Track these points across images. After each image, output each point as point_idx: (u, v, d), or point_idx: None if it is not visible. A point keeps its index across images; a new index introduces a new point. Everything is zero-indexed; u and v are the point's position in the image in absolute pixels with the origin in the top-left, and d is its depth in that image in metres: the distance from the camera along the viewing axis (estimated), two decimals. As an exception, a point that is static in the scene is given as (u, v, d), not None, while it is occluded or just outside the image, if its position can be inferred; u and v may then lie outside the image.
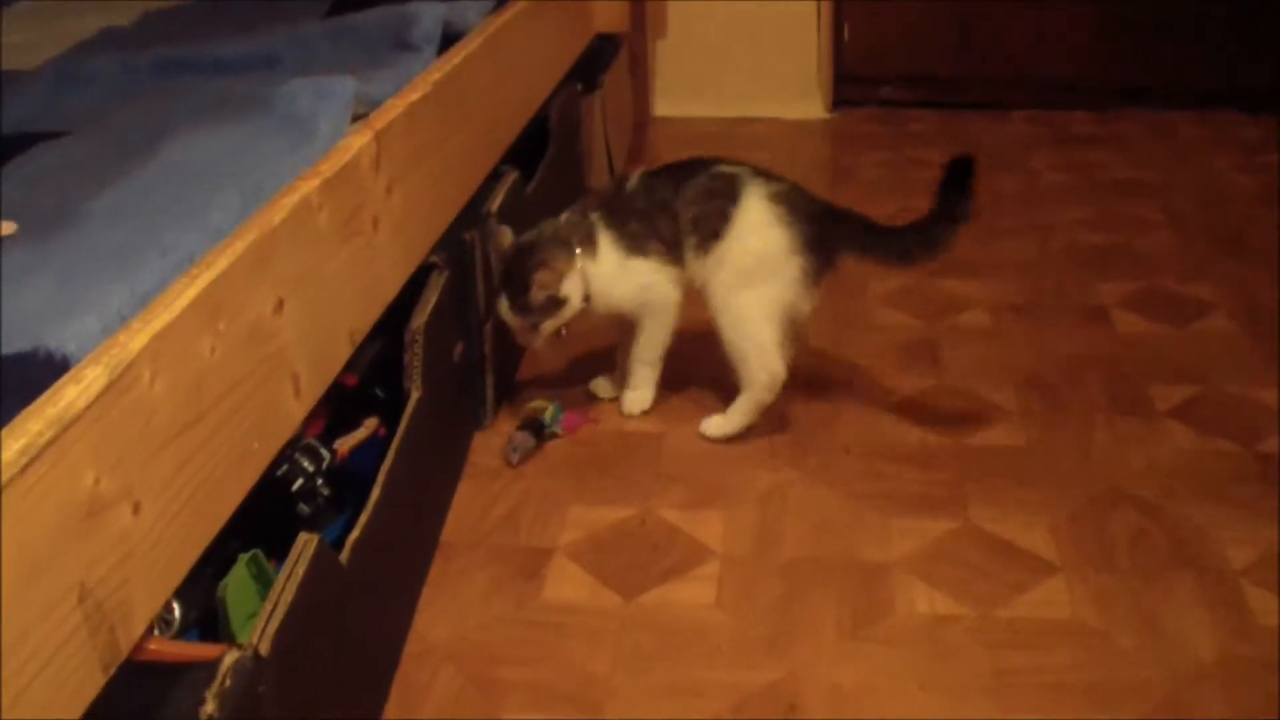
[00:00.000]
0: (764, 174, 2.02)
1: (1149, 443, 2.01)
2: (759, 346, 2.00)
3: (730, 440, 2.06)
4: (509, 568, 1.76)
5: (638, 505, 1.89)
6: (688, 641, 1.61)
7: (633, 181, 2.04)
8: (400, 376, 1.78)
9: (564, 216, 2.03)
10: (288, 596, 1.24)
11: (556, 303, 1.97)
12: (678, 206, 1.99)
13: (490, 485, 1.96)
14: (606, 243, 2.00)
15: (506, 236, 2.01)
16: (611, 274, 2.00)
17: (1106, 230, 2.90)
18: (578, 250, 1.98)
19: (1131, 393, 2.16)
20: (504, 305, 1.99)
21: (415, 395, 1.76)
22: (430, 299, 1.85)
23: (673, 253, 2.01)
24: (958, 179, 1.95)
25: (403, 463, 1.64)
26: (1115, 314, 2.46)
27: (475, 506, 1.91)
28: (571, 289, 1.97)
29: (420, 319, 1.80)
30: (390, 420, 1.73)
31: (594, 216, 2.02)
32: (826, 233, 1.99)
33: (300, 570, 1.27)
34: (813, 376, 2.23)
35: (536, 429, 2.05)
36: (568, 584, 1.73)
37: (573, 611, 1.67)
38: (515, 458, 2.00)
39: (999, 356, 2.29)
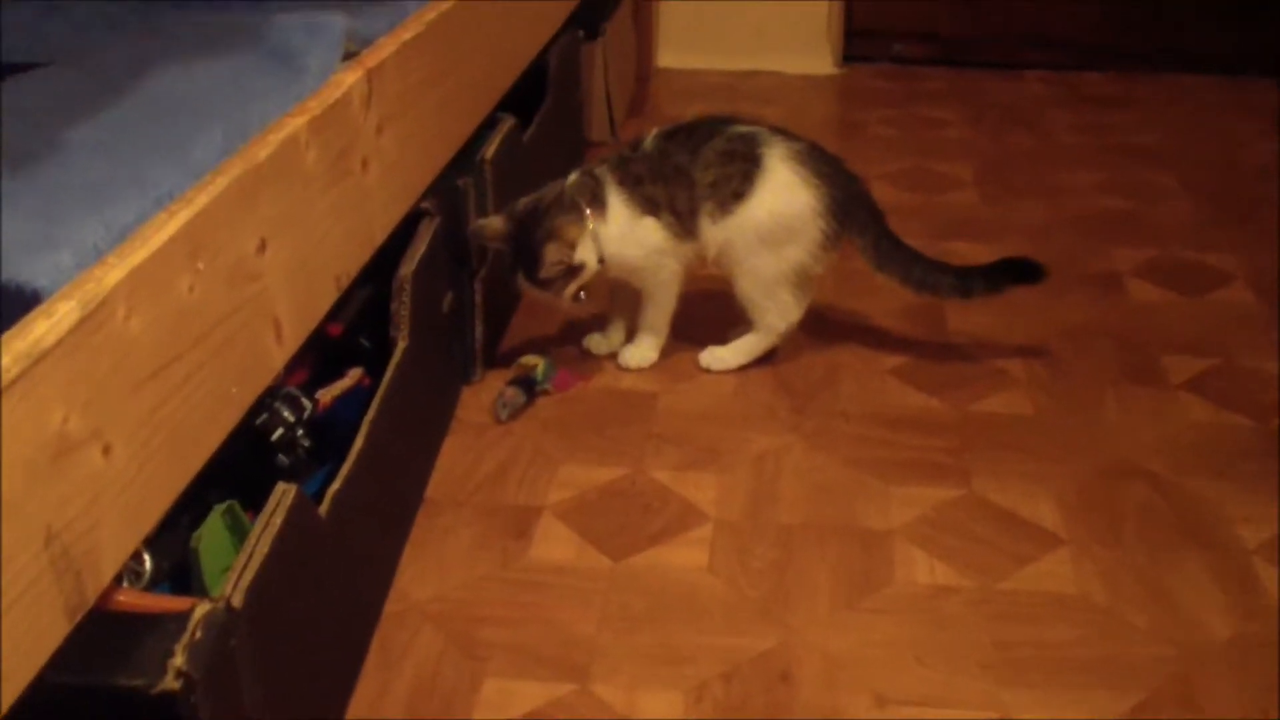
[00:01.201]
0: (782, 133, 2.03)
1: (1160, 415, 2.00)
2: (778, 300, 2.06)
3: (726, 400, 2.05)
4: (495, 526, 1.76)
5: (629, 465, 1.89)
6: (678, 605, 1.60)
7: (648, 142, 2.03)
8: (387, 326, 1.77)
9: (571, 177, 2.02)
10: (263, 548, 1.22)
11: (572, 270, 1.96)
12: (694, 172, 1.99)
13: (477, 441, 1.95)
14: (617, 202, 1.99)
15: (495, 225, 1.97)
16: (622, 234, 1.99)
17: (1122, 195, 2.88)
18: (587, 212, 1.97)
19: (1143, 363, 2.15)
20: (520, 278, 1.99)
21: (402, 345, 1.75)
22: (420, 246, 1.83)
23: (685, 225, 2.00)
24: (1013, 274, 2.07)
25: (387, 415, 1.63)
26: (1128, 282, 2.45)
27: (461, 463, 1.90)
28: (586, 254, 1.96)
29: (409, 266, 1.78)
30: (375, 371, 1.72)
31: (603, 173, 2.01)
32: (847, 199, 2.03)
33: (277, 521, 1.26)
34: (813, 337, 2.22)
35: (527, 385, 2.04)
36: (555, 544, 1.72)
37: (560, 572, 1.67)
38: (504, 414, 1.99)
39: (1007, 322, 2.28)
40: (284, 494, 1.30)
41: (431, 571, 1.67)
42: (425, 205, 1.88)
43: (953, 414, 2.01)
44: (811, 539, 1.72)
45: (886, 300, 2.33)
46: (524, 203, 1.98)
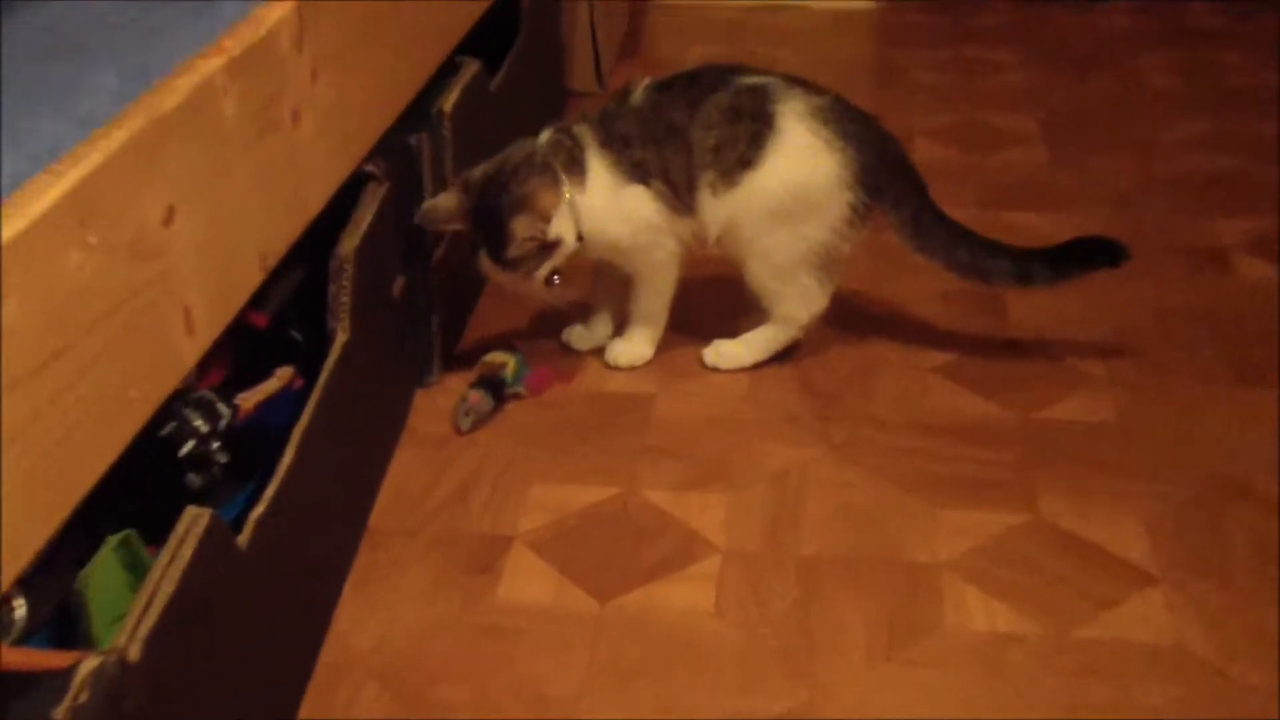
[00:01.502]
0: (801, 85, 2.02)
1: (1274, 423, 1.99)
2: (798, 286, 2.06)
3: (737, 404, 2.05)
4: (455, 560, 1.75)
5: (619, 484, 1.89)
6: (679, 657, 1.60)
7: (637, 94, 2.02)
8: (323, 315, 1.77)
9: (543, 135, 2.01)
10: (168, 588, 1.22)
11: (546, 248, 1.95)
12: (693, 133, 1.99)
13: (434, 456, 1.95)
14: (599, 167, 1.98)
15: (447, 204, 1.96)
16: (605, 206, 1.98)
17: (1228, 152, 2.88)
18: (563, 178, 1.96)
19: (1255, 359, 2.15)
20: (483, 258, 1.98)
21: (342, 339, 1.75)
22: (365, 217, 1.83)
23: (681, 199, 2.00)
24: (1087, 257, 2.06)
25: (323, 424, 1.63)
26: (1236, 258, 2.45)
27: (414, 482, 1.90)
28: (563, 228, 1.95)
29: (351, 242, 1.78)
30: (309, 370, 1.72)
31: (581, 132, 2.00)
32: (879, 165, 2.02)
33: (186, 554, 1.26)
34: (842, 327, 2.22)
35: (494, 388, 2.04)
36: (529, 581, 1.72)
37: (534, 616, 1.66)
38: (466, 423, 1.99)
39: (1083, 308, 2.28)
40: (194, 520, 1.29)
41: (376, 616, 1.67)
42: (371, 168, 1.88)
43: (1015, 421, 2.01)
44: (842, 574, 1.72)
45: (931, 281, 2.32)
46: (482, 170, 1.96)
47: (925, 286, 2.33)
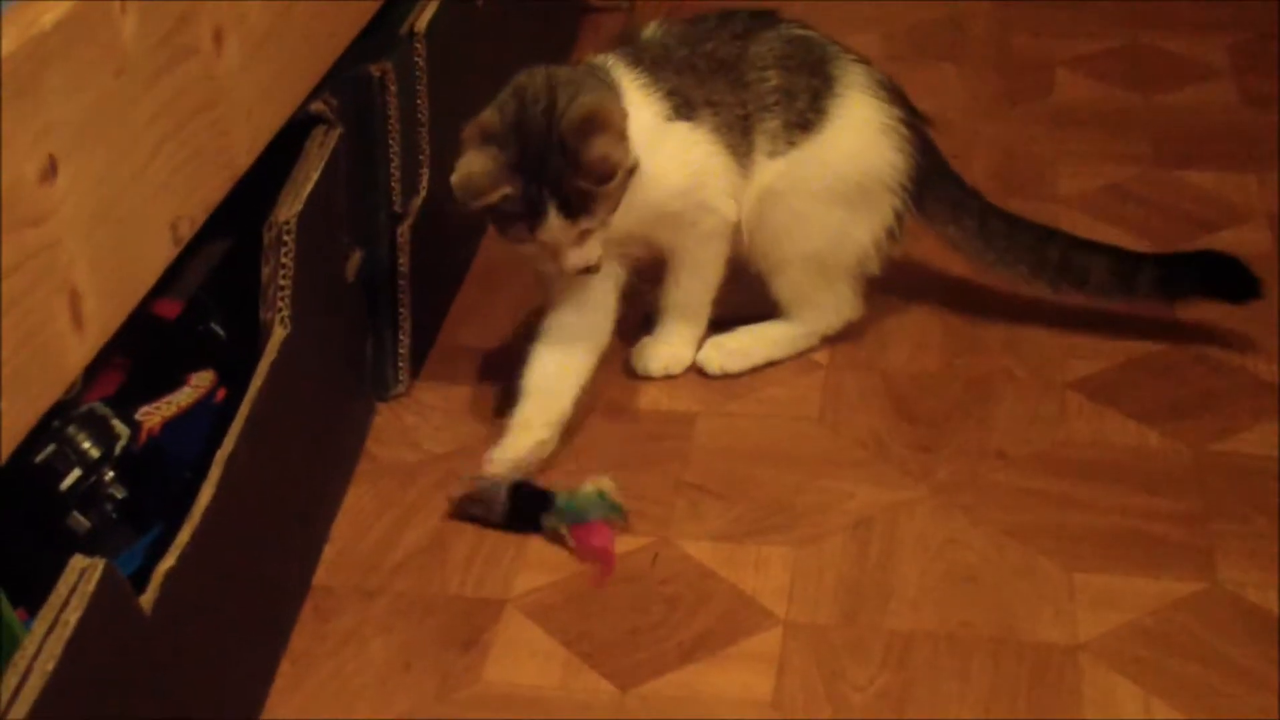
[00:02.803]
0: (854, 54, 2.12)
1: None
2: (836, 290, 2.16)
3: (805, 429, 2.07)
4: (428, 631, 1.77)
5: (648, 531, 1.91)
6: (725, 766, 1.62)
7: (655, 30, 2.08)
8: (254, 304, 1.78)
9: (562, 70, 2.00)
10: (45, 665, 1.22)
11: (622, 184, 1.94)
12: (747, 71, 2.04)
13: (400, 492, 1.97)
14: (637, 96, 2.00)
15: (486, 158, 1.89)
16: (650, 146, 1.98)
17: None
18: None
19: None
20: (548, 224, 1.90)
21: (279, 335, 1.76)
22: (309, 174, 1.85)
23: (738, 144, 2.04)
24: (1211, 278, 2.14)
25: (253, 448, 1.63)
26: None
27: (374, 527, 1.92)
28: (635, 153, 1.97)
29: (292, 207, 1.80)
30: (235, 377, 1.74)
31: (609, 63, 2.02)
32: (930, 168, 2.14)
33: (71, 620, 1.26)
34: (953, 330, 2.25)
35: (526, 512, 1.93)
36: (526, 660, 1.73)
37: (533, 707, 1.68)
38: (458, 500, 1.94)
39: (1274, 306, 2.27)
40: (83, 574, 1.30)
41: (322, 707, 1.68)
42: (318, 106, 1.90)
43: (1184, 456, 2.02)
44: (945, 657, 1.73)
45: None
46: (499, 112, 1.91)
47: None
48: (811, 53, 2.07)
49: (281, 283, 1.78)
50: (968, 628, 1.77)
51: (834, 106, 2.05)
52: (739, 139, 2.04)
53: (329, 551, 1.89)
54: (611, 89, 1.98)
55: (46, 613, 1.27)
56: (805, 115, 2.04)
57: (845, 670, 1.72)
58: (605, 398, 2.15)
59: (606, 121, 1.90)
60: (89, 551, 1.32)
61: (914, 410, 2.12)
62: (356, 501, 1.96)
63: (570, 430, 2.06)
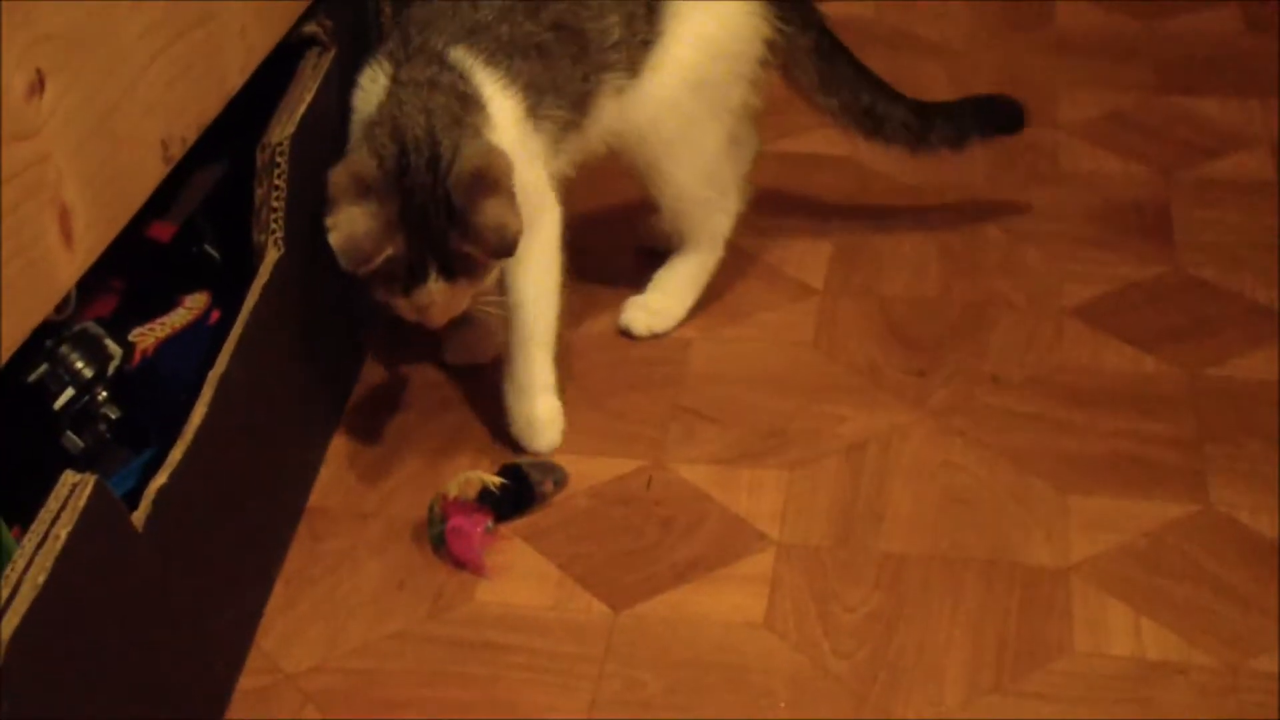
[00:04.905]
0: None
1: None
2: (721, 184, 2.14)
3: (800, 354, 2.09)
4: (419, 553, 1.79)
5: (642, 455, 1.93)
6: (716, 685, 1.63)
7: None
8: (247, 225, 1.78)
9: (378, 69, 1.86)
10: (37, 578, 1.23)
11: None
12: (585, 25, 1.94)
13: (396, 415, 1.99)
14: (501, 100, 1.87)
15: (368, 214, 1.73)
16: (515, 143, 1.86)
17: None
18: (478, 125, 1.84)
19: None
20: (430, 287, 1.78)
21: (273, 256, 1.77)
22: (304, 95, 1.85)
23: (572, 114, 1.95)
24: (987, 118, 2.23)
25: (247, 369, 1.64)
26: None
27: (369, 450, 1.93)
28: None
29: (286, 128, 1.80)
30: (229, 298, 1.74)
31: (469, 63, 1.87)
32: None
33: (63, 534, 1.27)
34: (949, 253, 2.27)
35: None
36: (520, 582, 1.75)
37: (526, 628, 1.69)
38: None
39: (1278, 228, 2.30)
40: (75, 490, 1.30)
41: (316, 626, 1.70)
42: (312, 28, 1.90)
43: (1179, 381, 2.03)
44: (938, 579, 1.75)
45: (1067, 193, 2.38)
46: (362, 162, 1.76)
47: (1057, 199, 2.37)
48: None
49: (275, 204, 1.78)
50: (960, 550, 1.79)
51: (669, 14, 1.99)
52: (576, 108, 1.96)
53: (324, 473, 1.91)
54: (471, 102, 1.83)
55: (38, 527, 1.27)
56: (646, 36, 1.98)
57: (837, 591, 1.74)
58: (600, 324, 2.16)
59: (496, 180, 1.75)
60: (83, 470, 1.32)
61: (909, 335, 2.13)
62: (351, 424, 1.98)
63: (564, 355, 2.05)
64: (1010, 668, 1.64)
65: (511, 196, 1.75)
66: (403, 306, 1.79)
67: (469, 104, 1.81)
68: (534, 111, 1.88)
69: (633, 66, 1.97)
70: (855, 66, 2.16)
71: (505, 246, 1.74)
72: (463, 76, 1.83)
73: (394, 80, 1.81)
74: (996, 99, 2.25)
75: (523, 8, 1.89)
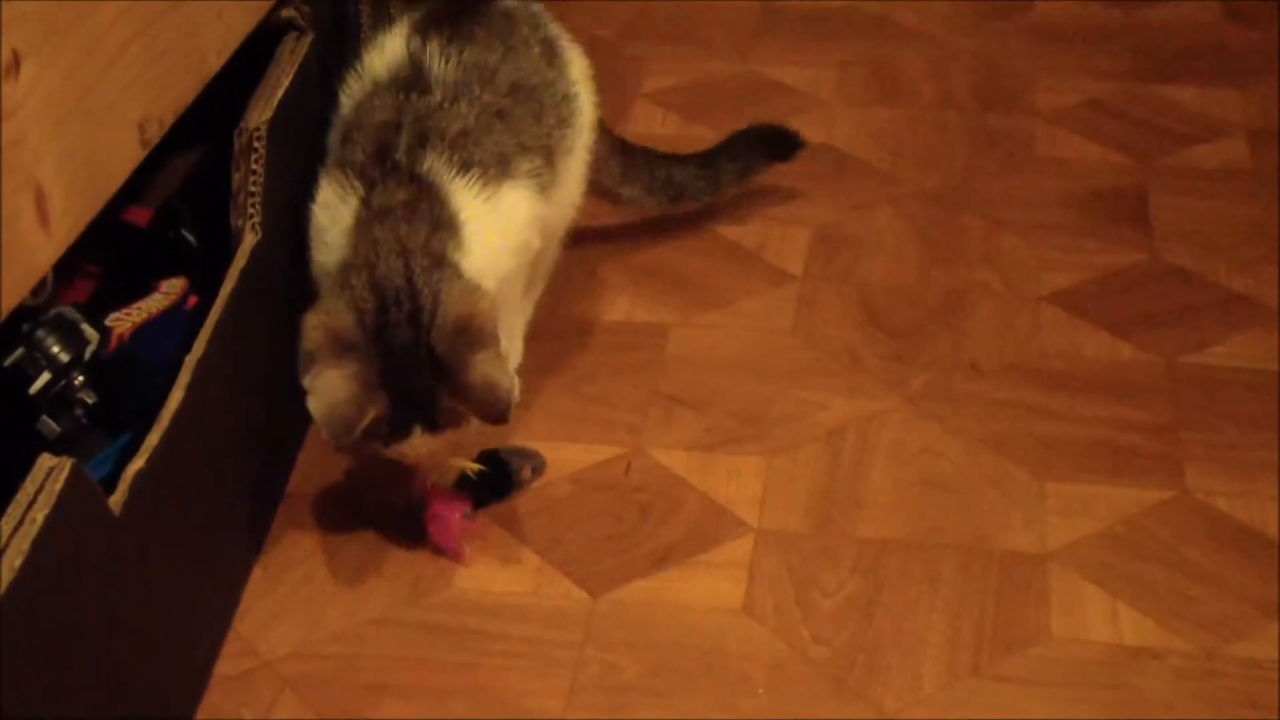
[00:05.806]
0: None
1: None
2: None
3: (779, 340, 2.10)
4: (400, 538, 1.79)
5: (621, 441, 1.93)
6: (695, 671, 1.63)
7: (430, 58, 1.87)
8: (225, 210, 1.78)
9: (335, 190, 1.81)
10: (15, 559, 1.23)
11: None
12: (541, 91, 1.95)
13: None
14: (473, 201, 1.82)
15: (347, 377, 1.67)
16: (494, 252, 1.84)
17: None
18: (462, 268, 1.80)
19: None
20: (414, 440, 1.72)
21: (251, 241, 1.77)
22: (281, 80, 1.85)
23: (546, 167, 1.93)
24: (766, 147, 2.32)
25: (224, 353, 1.64)
26: None
27: (346, 436, 1.94)
28: None
29: (263, 112, 1.80)
30: (206, 282, 1.74)
31: (445, 177, 1.81)
32: None
33: (40, 518, 1.27)
34: (927, 240, 2.27)
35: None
36: (498, 567, 1.76)
37: (505, 614, 1.70)
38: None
39: (1255, 216, 2.31)
40: (51, 474, 1.30)
41: (295, 611, 1.70)
42: (290, 13, 1.90)
43: (1155, 367, 2.04)
44: (915, 564, 1.76)
45: (1047, 181, 2.38)
46: (340, 319, 1.70)
47: (1035, 186, 2.38)
48: (538, 31, 2.01)
49: (252, 189, 1.78)
50: (938, 535, 1.80)
51: (562, 54, 2.02)
52: (548, 170, 1.93)
53: (302, 458, 1.91)
54: (440, 225, 1.77)
55: (14, 510, 1.27)
56: (569, 91, 2.01)
57: (816, 577, 1.74)
58: (576, 310, 2.17)
59: (481, 329, 1.70)
60: (60, 455, 1.32)
61: (888, 321, 2.14)
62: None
63: (539, 340, 2.07)
64: (988, 653, 1.65)
65: (497, 346, 1.71)
66: (383, 454, 1.74)
67: (446, 233, 1.76)
68: (509, 174, 1.84)
69: (570, 120, 2.00)
70: (642, 150, 2.27)
71: (498, 408, 1.68)
72: (438, 199, 1.78)
73: (365, 204, 1.76)
74: (771, 129, 2.36)
75: (477, 79, 1.85)
